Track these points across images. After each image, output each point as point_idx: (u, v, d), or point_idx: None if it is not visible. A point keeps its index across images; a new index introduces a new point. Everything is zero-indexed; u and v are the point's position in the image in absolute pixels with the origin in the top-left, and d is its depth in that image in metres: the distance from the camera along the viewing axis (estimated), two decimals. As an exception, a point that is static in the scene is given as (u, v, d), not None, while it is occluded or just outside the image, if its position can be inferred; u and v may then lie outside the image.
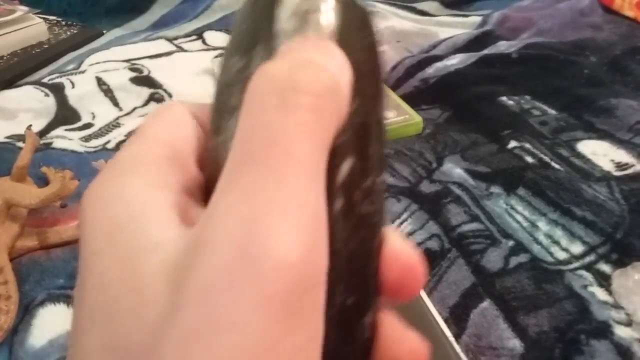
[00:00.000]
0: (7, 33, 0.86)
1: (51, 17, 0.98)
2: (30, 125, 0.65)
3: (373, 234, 0.19)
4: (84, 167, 0.60)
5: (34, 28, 0.90)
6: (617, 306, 0.44)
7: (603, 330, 0.43)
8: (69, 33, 0.94)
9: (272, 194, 0.13)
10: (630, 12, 0.93)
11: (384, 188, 0.19)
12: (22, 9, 0.90)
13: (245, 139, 0.14)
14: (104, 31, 0.98)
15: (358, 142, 0.18)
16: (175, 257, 0.14)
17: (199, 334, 0.12)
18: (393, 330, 0.19)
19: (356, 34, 0.18)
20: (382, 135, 0.19)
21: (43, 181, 0.56)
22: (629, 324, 0.43)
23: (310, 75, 0.15)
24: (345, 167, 0.17)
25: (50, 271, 0.48)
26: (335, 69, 0.16)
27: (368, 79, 0.19)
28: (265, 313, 0.12)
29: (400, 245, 0.19)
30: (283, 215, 0.13)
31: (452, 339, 0.40)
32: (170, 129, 0.18)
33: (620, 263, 0.48)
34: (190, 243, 0.14)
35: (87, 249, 0.15)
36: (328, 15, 0.18)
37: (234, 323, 0.12)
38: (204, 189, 0.18)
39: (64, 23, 0.97)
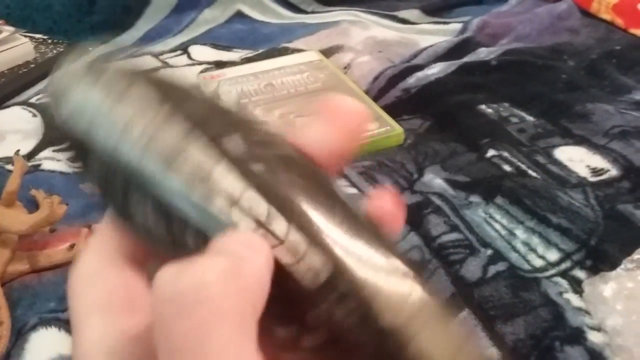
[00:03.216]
0: (-6, 54, 0.87)
1: (37, 36, 0.99)
2: (19, 150, 0.66)
3: None
4: (72, 188, 0.61)
5: (21, 48, 0.91)
6: (589, 312, 0.46)
7: (577, 337, 0.45)
8: (55, 51, 0.95)
9: None
10: (607, 16, 0.95)
11: None
12: (8, 29, 0.91)
13: (165, 352, 0.15)
14: (90, 48, 0.99)
15: None
16: None
17: None
18: None
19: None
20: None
21: (33, 204, 0.58)
22: (600, 329, 0.44)
23: (191, 280, 0.15)
24: None
25: (42, 295, 0.49)
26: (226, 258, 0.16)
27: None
28: None
29: None
30: None
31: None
32: None
33: (595, 269, 0.50)
34: None
35: (73, 326, 0.19)
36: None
37: None
38: None
39: (50, 41, 0.98)
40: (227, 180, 0.17)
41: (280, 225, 0.17)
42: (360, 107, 0.21)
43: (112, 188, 0.18)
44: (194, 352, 0.14)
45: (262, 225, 0.17)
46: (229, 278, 0.15)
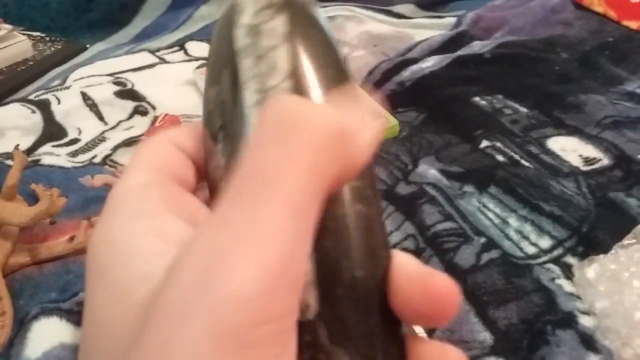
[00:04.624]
0: (-8, 52, 0.88)
1: (35, 34, 1.00)
2: (18, 145, 0.66)
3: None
4: (71, 182, 0.62)
5: (19, 45, 0.91)
6: (581, 297, 0.47)
7: (568, 321, 0.45)
8: (53, 49, 0.96)
9: (244, 227, 0.13)
10: (599, 8, 0.95)
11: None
12: (6, 27, 0.92)
13: (240, 170, 0.14)
14: (88, 45, 1.00)
15: None
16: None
17: (153, 356, 0.13)
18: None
19: (308, 33, 0.19)
20: None
21: (33, 198, 0.58)
22: (590, 313, 0.45)
23: (316, 113, 0.15)
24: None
25: (43, 286, 0.50)
26: (349, 118, 0.16)
27: (329, 68, 0.19)
28: (214, 344, 0.12)
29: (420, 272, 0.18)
30: (249, 249, 0.13)
31: (423, 334, 0.43)
32: (151, 157, 0.20)
33: (586, 255, 0.51)
34: (168, 268, 0.14)
35: (86, 290, 0.17)
36: (278, 22, 0.19)
37: (183, 350, 0.12)
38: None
39: (47, 39, 0.99)
40: None
41: None
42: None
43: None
44: (259, 182, 0.14)
45: None
46: (337, 140, 0.15)
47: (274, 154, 0.14)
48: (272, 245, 0.13)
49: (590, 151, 0.65)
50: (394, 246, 0.53)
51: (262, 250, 0.13)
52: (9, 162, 0.66)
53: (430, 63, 0.83)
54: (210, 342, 0.12)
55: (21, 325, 0.47)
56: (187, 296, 0.13)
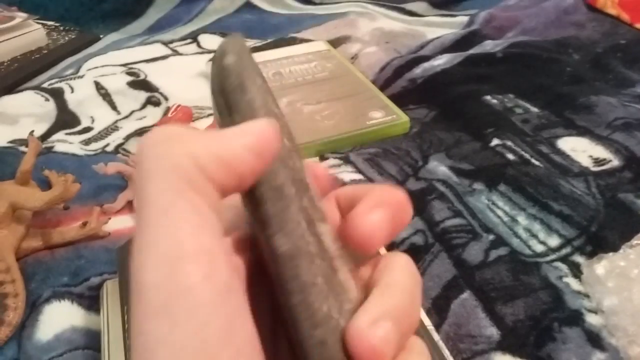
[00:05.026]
0: (7, 39, 0.88)
1: (49, 23, 1.01)
2: (33, 131, 0.67)
3: None
4: (84, 170, 0.62)
5: (33, 34, 0.92)
6: (588, 295, 0.47)
7: (575, 318, 0.46)
8: (67, 38, 0.97)
9: (140, 237, 0.18)
10: (613, 10, 0.95)
11: None
12: (21, 16, 0.93)
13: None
14: (101, 36, 1.00)
15: None
16: None
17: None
18: None
19: (236, 102, 0.22)
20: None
21: (45, 184, 0.59)
22: (597, 311, 0.46)
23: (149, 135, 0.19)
24: None
25: (55, 270, 0.51)
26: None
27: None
28: (148, 318, 0.17)
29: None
30: (148, 252, 0.17)
31: (431, 327, 0.43)
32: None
33: (594, 255, 0.51)
34: None
35: None
36: (217, 101, 0.22)
37: (137, 328, 0.17)
38: None
39: (62, 28, 1.00)
40: None
41: None
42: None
43: None
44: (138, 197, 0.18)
45: None
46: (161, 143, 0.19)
47: (138, 173, 0.19)
48: (155, 247, 0.17)
49: (601, 152, 0.65)
50: (403, 240, 0.54)
51: (153, 253, 0.17)
52: (23, 148, 0.67)
53: (442, 61, 0.83)
54: (145, 318, 0.17)
55: (33, 307, 0.47)
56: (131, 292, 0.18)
